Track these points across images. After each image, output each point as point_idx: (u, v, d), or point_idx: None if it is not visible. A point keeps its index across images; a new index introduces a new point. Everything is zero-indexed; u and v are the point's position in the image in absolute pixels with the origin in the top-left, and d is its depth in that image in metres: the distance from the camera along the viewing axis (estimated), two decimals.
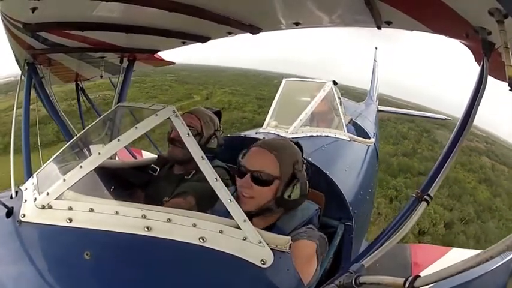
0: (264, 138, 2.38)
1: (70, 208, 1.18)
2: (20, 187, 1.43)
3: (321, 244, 1.34)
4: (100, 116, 3.31)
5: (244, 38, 2.35)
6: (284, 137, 1.55)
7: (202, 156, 1.22)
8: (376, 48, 8.86)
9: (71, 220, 1.16)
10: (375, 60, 8.59)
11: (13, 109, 2.40)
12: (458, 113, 1.63)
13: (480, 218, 10.86)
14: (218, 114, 2.07)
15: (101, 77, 3.50)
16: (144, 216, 1.14)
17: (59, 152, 1.58)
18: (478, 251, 0.80)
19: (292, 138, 2.45)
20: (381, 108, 7.54)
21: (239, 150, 1.47)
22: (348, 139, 2.93)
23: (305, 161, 1.46)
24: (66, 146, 1.67)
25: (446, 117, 8.47)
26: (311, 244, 1.30)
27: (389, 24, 1.59)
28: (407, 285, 0.88)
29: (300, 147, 1.49)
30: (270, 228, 1.32)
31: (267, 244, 1.13)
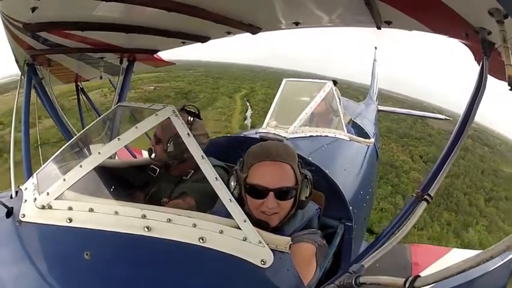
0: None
1: (70, 208, 1.18)
2: (20, 187, 1.43)
3: (320, 248, 1.34)
4: (100, 116, 3.32)
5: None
6: (281, 138, 1.51)
7: (202, 156, 1.22)
8: (376, 48, 8.85)
9: (70, 220, 1.16)
10: (374, 60, 8.58)
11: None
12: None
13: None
14: (193, 114, 1.93)
15: (101, 77, 3.51)
16: (144, 216, 1.14)
17: (59, 151, 1.58)
18: (478, 251, 0.80)
19: (292, 138, 2.45)
20: (381, 108, 7.53)
21: (238, 150, 1.46)
22: (348, 139, 2.93)
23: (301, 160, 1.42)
24: (66, 145, 1.67)
25: (446, 118, 8.47)
26: (311, 246, 1.30)
27: (389, 24, 1.59)
28: (407, 285, 0.88)
29: None
30: (271, 230, 1.32)
31: (267, 244, 1.13)
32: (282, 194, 1.27)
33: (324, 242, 1.40)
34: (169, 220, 1.14)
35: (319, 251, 1.32)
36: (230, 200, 1.16)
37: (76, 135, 2.16)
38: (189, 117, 1.89)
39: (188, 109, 1.96)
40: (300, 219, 1.39)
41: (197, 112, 1.97)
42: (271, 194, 1.25)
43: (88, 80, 4.32)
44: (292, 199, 1.32)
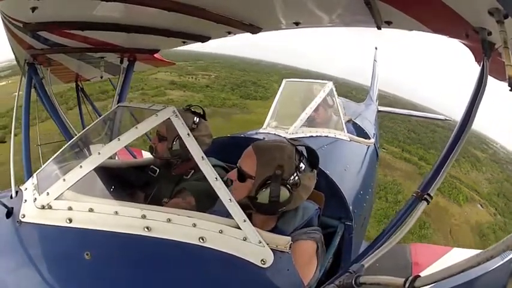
0: (264, 138, 2.38)
1: (70, 208, 1.18)
2: (20, 187, 1.43)
3: (321, 245, 1.33)
4: (100, 116, 3.32)
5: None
6: (287, 139, 1.47)
7: (202, 157, 1.22)
8: (376, 48, 8.84)
9: (70, 220, 1.16)
10: (375, 61, 8.56)
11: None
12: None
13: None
14: (198, 114, 1.93)
15: (101, 77, 3.50)
16: (143, 217, 1.14)
17: (59, 152, 1.58)
18: (478, 251, 0.80)
19: (293, 138, 2.45)
20: (381, 108, 7.51)
21: (238, 150, 1.47)
22: (348, 139, 2.93)
23: (302, 169, 1.33)
24: (66, 146, 1.67)
25: (446, 118, 8.46)
26: (311, 244, 1.30)
27: (389, 24, 1.59)
28: (407, 285, 0.88)
29: (312, 155, 1.39)
30: (271, 230, 1.32)
31: (267, 244, 1.13)
32: (238, 173, 1.35)
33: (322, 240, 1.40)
34: (169, 220, 1.14)
35: (319, 249, 1.32)
36: (230, 200, 1.16)
37: (76, 135, 2.16)
38: (195, 118, 1.90)
39: (194, 110, 1.97)
40: (300, 218, 1.39)
41: (202, 113, 1.98)
42: (236, 169, 1.38)
43: (88, 80, 4.32)
44: (245, 186, 1.32)
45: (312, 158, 1.39)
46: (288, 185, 1.29)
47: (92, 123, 1.99)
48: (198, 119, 1.90)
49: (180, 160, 1.87)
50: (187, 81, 25.34)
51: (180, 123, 1.28)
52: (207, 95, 22.93)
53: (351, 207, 1.93)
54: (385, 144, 16.86)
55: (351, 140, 2.95)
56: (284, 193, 1.28)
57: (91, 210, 1.17)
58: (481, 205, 13.09)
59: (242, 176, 1.34)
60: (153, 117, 1.30)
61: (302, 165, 1.33)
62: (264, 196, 1.29)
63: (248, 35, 2.11)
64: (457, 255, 2.93)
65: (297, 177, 1.30)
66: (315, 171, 1.40)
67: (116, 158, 2.48)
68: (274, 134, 2.62)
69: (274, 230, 1.32)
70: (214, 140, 2.23)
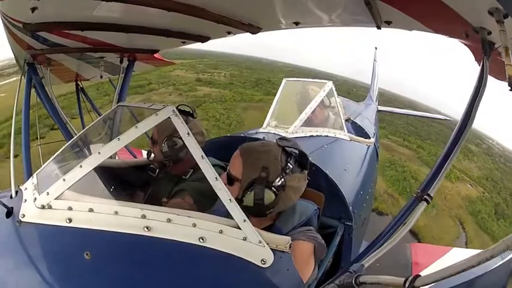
0: (263, 138, 2.39)
1: (70, 208, 1.18)
2: (20, 187, 1.43)
3: (318, 246, 1.33)
4: (100, 116, 3.32)
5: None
6: (276, 140, 1.45)
7: (202, 156, 1.22)
8: (376, 48, 8.84)
9: (70, 220, 1.16)
10: (374, 60, 8.56)
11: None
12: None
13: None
14: (187, 113, 1.93)
15: (101, 77, 3.50)
16: (143, 216, 1.14)
17: (59, 151, 1.58)
18: (478, 251, 0.80)
19: (292, 138, 2.45)
20: (381, 108, 7.52)
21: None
22: (348, 139, 2.93)
23: (289, 169, 1.30)
24: (66, 145, 1.67)
25: (446, 118, 8.47)
26: (308, 244, 1.30)
27: (389, 24, 1.58)
28: (407, 285, 0.88)
29: (302, 155, 1.35)
30: (268, 228, 1.32)
31: (267, 244, 1.13)
32: (228, 177, 1.36)
33: (321, 238, 1.39)
34: (169, 220, 1.14)
35: (317, 249, 1.31)
36: (230, 199, 1.16)
37: (76, 135, 2.16)
38: (183, 117, 1.88)
39: (182, 109, 1.96)
40: (297, 218, 1.39)
41: (191, 111, 1.97)
42: (226, 172, 1.40)
43: (88, 80, 4.32)
44: (234, 189, 1.31)
45: (301, 159, 1.37)
46: (273, 187, 1.27)
47: (92, 123, 1.99)
48: (185, 117, 1.87)
49: (171, 161, 1.88)
50: (207, 78, 25.51)
51: (179, 123, 1.28)
52: (235, 91, 23.12)
53: (350, 208, 1.93)
54: (388, 135, 17.97)
55: (351, 140, 2.95)
56: (269, 195, 1.27)
57: (91, 210, 1.17)
58: (470, 185, 14.37)
59: (230, 179, 1.34)
60: (153, 116, 1.30)
61: (289, 165, 1.31)
62: (249, 199, 1.28)
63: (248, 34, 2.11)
64: (457, 255, 2.93)
65: (283, 179, 1.29)
66: (305, 171, 1.38)
67: (116, 157, 2.48)
68: (274, 133, 2.62)
69: (272, 229, 1.32)
70: (213, 140, 2.23)
